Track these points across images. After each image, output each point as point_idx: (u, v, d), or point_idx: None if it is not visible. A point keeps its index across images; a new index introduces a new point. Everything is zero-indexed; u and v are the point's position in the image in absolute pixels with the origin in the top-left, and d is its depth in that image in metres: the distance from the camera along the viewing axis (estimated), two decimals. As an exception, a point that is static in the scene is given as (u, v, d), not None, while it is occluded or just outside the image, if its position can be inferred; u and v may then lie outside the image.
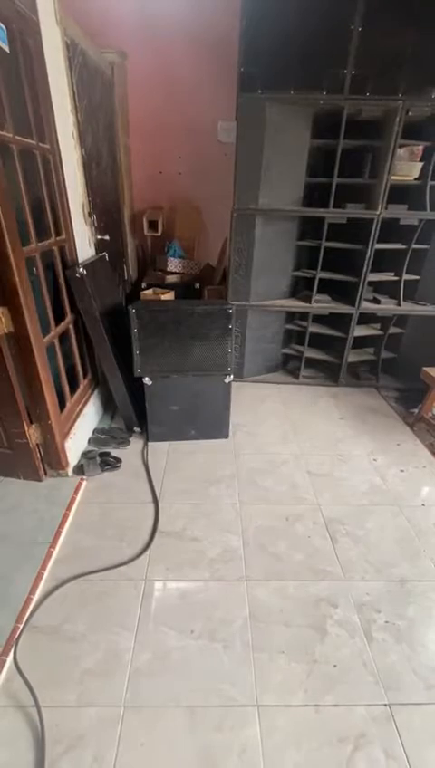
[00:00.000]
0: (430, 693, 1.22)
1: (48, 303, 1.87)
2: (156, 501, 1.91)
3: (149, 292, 3.22)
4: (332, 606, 1.47)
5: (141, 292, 3.22)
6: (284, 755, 1.08)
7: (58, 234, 1.96)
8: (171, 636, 1.35)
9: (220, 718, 1.15)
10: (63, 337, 2.07)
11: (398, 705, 1.19)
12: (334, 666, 1.28)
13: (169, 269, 3.43)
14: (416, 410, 2.64)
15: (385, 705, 1.19)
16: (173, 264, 3.43)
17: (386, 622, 1.42)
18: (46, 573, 1.53)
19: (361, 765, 1.07)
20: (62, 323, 2.03)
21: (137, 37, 3.02)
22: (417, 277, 2.85)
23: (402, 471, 2.19)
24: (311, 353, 3.10)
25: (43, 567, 1.54)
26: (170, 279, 3.40)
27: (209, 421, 2.35)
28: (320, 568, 1.61)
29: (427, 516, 1.89)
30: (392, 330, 2.98)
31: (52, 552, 1.61)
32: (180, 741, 1.10)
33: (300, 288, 3.07)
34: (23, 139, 1.60)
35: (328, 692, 1.22)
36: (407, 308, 2.84)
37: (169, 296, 3.17)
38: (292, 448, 2.35)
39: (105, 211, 2.73)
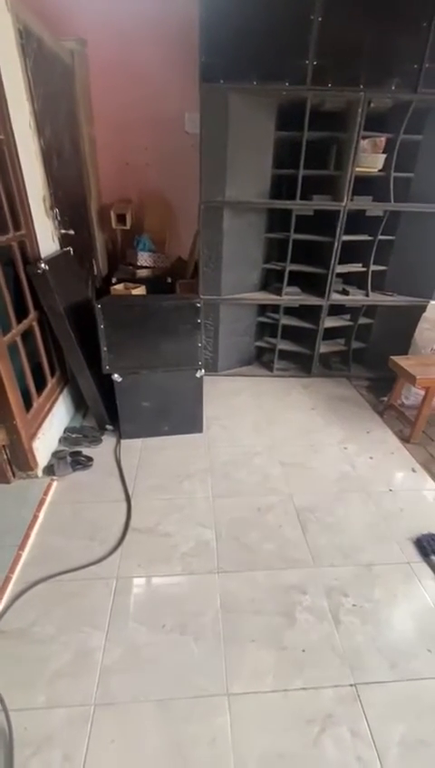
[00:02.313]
0: (393, 671, 1.27)
1: (8, 301, 1.82)
2: (128, 498, 1.90)
3: (120, 286, 3.17)
4: (301, 593, 1.50)
5: (112, 287, 3.17)
6: (252, 741, 1.10)
7: (17, 228, 1.90)
8: (142, 632, 1.35)
9: (191, 709, 1.16)
10: (28, 335, 2.02)
11: (363, 685, 1.23)
12: (303, 650, 1.31)
13: (139, 263, 3.38)
14: (385, 399, 2.70)
15: (351, 685, 1.23)
16: (143, 258, 3.38)
17: (353, 605, 1.46)
18: (15, 576, 1.51)
19: (327, 745, 1.10)
20: (25, 321, 1.97)
21: (98, 24, 2.92)
22: (384, 268, 2.90)
23: (371, 458, 2.24)
24: (284, 345, 3.13)
25: (12, 570, 1.51)
26: (141, 273, 3.36)
27: (182, 416, 2.34)
28: (290, 556, 1.64)
29: (394, 501, 1.94)
30: (362, 320, 3.04)
31: (20, 554, 1.58)
32: (150, 735, 1.11)
33: (271, 280, 3.08)
34: (-28, 129, 1.54)
35: (297, 676, 1.24)
36: (375, 299, 2.90)
37: (139, 291, 3.13)
38: (265, 440, 2.38)
39: (70, 204, 2.65)
